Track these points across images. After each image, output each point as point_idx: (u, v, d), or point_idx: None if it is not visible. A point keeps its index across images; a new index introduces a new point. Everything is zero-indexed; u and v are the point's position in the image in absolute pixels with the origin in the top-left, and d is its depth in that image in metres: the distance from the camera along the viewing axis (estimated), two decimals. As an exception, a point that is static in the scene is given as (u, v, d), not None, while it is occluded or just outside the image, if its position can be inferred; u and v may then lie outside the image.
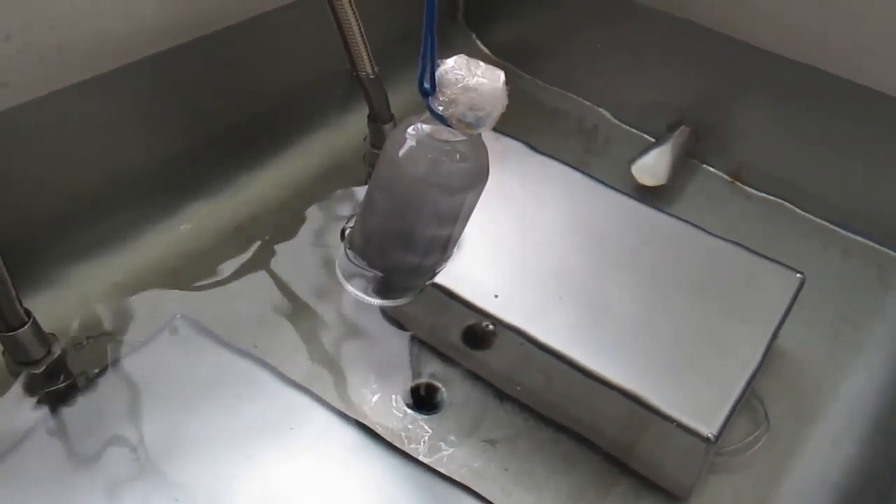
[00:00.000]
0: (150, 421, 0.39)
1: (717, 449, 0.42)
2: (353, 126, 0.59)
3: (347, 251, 0.45)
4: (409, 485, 0.37)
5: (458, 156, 0.40)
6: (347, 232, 0.49)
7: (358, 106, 0.54)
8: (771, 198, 0.61)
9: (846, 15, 0.53)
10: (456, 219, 0.43)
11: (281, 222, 0.54)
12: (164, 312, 0.46)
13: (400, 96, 0.54)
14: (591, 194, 0.52)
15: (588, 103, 0.68)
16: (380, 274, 0.46)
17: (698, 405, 0.41)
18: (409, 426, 0.45)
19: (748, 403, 0.47)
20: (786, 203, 0.60)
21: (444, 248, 0.45)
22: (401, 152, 0.40)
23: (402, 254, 0.45)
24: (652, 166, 0.59)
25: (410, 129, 0.40)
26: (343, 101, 0.61)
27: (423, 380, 0.47)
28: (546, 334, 0.44)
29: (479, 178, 0.42)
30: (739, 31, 0.58)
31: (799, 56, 0.56)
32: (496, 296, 0.45)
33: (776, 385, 0.48)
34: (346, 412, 0.40)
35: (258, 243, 0.53)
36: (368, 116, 0.53)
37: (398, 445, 0.39)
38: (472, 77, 0.37)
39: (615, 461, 0.44)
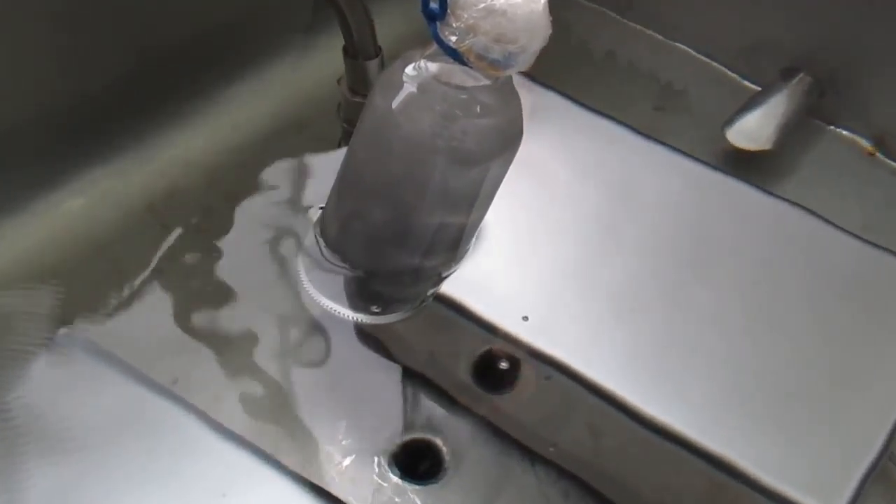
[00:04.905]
0: (19, 482, 0.40)
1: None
2: (321, 63, 0.59)
3: (318, 244, 0.47)
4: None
5: (478, 108, 0.41)
6: (318, 217, 0.51)
7: (329, 35, 0.55)
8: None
9: None
10: (473, 200, 0.44)
11: (213, 201, 0.55)
12: (41, 327, 0.47)
13: (388, 20, 0.55)
14: (664, 169, 0.53)
15: (662, 39, 0.69)
16: (362, 277, 0.47)
17: (814, 474, 0.43)
18: (396, 500, 0.45)
19: (884, 471, 0.47)
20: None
21: (454, 243, 0.46)
22: (395, 103, 0.41)
23: (394, 250, 0.46)
24: (755, 129, 0.60)
25: (409, 70, 0.41)
26: (309, 26, 0.61)
27: (417, 433, 0.47)
28: (595, 369, 0.45)
29: (508, 141, 0.43)
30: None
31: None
32: (525, 318, 0.46)
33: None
34: (304, 476, 0.42)
35: (179, 231, 0.53)
36: (344, 49, 0.54)
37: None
38: (499, -6, 0.38)
39: (692, 555, 0.46)
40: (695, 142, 0.57)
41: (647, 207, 0.52)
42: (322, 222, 0.49)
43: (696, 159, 0.54)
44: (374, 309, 0.49)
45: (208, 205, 0.55)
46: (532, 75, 0.55)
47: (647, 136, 0.55)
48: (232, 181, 0.56)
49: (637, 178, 0.53)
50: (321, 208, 0.50)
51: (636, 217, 0.51)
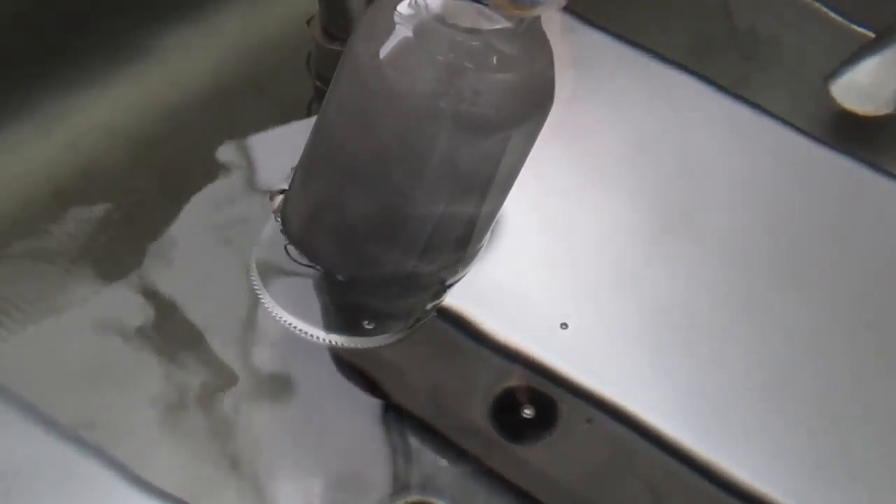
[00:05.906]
0: None
1: None
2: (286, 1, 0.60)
3: (279, 240, 0.47)
4: None
5: (495, 60, 0.41)
6: (279, 204, 0.50)
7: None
8: None
9: None
10: (488, 183, 0.44)
11: (142, 184, 0.55)
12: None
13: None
14: (749, 138, 0.53)
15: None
16: (339, 285, 0.47)
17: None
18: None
19: None
20: None
21: (462, 240, 0.46)
22: (384, 51, 0.41)
23: (381, 249, 0.46)
24: (868, 85, 0.60)
25: (403, 7, 0.41)
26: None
27: (414, 496, 0.47)
28: (654, 410, 0.45)
29: (534, 103, 0.42)
30: None
31: None
32: (564, 324, 0.46)
33: None
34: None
35: (94, 223, 0.53)
36: (317, -18, 0.54)
37: None
38: None
39: None
40: (790, 101, 0.58)
41: (726, 190, 0.52)
42: (284, 211, 0.49)
43: (792, 126, 0.53)
44: (357, 328, 0.48)
45: (135, 188, 0.55)
46: (576, 11, 0.55)
47: (728, 92, 0.54)
48: (167, 157, 0.56)
49: (714, 149, 0.53)
50: (283, 192, 0.50)
51: (710, 204, 0.51)
